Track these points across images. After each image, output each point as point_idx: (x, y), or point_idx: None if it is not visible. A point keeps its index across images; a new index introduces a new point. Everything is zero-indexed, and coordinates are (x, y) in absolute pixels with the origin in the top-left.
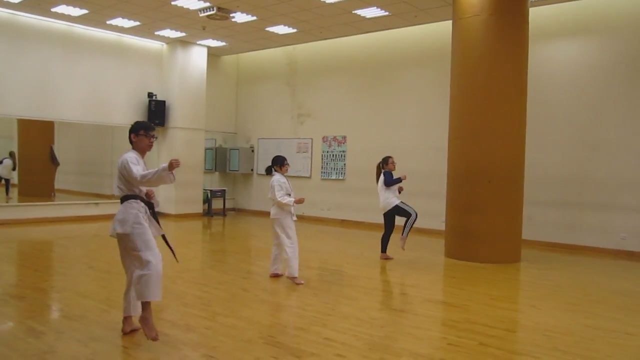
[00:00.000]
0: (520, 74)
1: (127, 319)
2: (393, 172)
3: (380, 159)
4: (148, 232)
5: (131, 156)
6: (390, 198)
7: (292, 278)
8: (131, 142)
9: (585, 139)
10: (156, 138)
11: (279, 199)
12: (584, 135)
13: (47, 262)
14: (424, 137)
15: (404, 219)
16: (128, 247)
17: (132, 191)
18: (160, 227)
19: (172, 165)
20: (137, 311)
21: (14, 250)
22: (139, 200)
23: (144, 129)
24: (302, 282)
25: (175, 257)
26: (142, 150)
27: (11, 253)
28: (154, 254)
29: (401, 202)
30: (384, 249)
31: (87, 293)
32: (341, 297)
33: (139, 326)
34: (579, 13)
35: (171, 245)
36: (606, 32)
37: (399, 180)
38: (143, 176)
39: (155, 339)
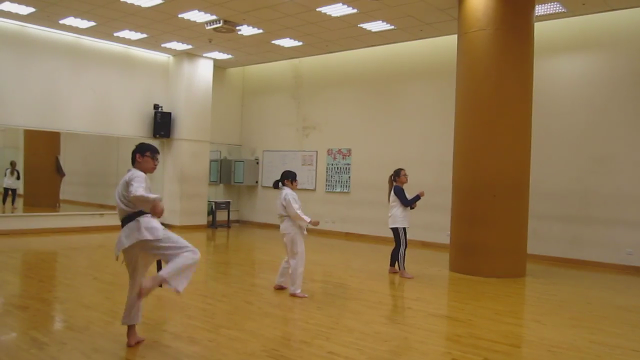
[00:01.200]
0: (525, 88)
1: (131, 329)
2: (405, 184)
3: (385, 172)
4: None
5: (141, 174)
6: (397, 217)
7: (293, 295)
8: (134, 161)
9: (590, 153)
10: (159, 162)
11: (297, 212)
12: (589, 149)
13: (51, 272)
14: (429, 150)
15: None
16: (160, 249)
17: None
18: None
19: (156, 213)
20: (138, 320)
21: (19, 260)
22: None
23: (151, 152)
24: (306, 295)
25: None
26: (145, 171)
27: (15, 263)
28: (194, 247)
29: (405, 228)
30: (392, 263)
31: (91, 304)
32: (345, 311)
33: (143, 338)
34: (583, 28)
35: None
36: (611, 47)
37: (418, 198)
38: (139, 197)
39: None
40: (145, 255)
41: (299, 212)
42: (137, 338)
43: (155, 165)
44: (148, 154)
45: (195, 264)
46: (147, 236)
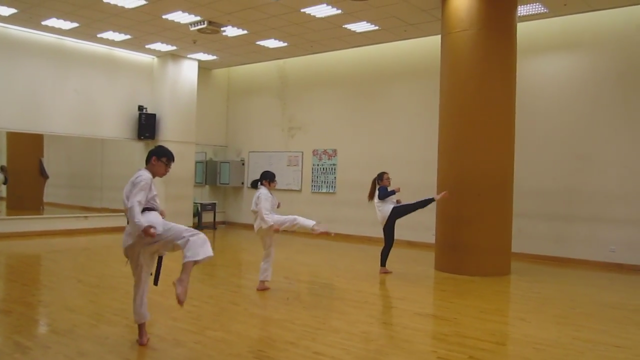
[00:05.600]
0: (508, 88)
1: (142, 327)
2: (388, 187)
3: (370, 172)
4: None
5: (147, 178)
6: (385, 206)
7: (262, 281)
8: (147, 161)
9: (573, 152)
10: (170, 169)
11: (263, 212)
12: (572, 147)
13: (35, 276)
14: (414, 150)
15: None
16: (167, 240)
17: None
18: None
19: (147, 232)
20: (148, 316)
21: (2, 264)
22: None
23: (167, 158)
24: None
25: (156, 281)
26: (154, 173)
27: None
28: (192, 230)
29: (395, 204)
30: (383, 263)
31: (75, 307)
32: (331, 311)
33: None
34: (566, 28)
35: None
36: (593, 47)
37: (393, 192)
38: (132, 211)
39: (180, 296)
40: (146, 251)
41: (265, 214)
42: (147, 335)
43: (167, 171)
44: (164, 159)
45: (206, 241)
46: (157, 230)
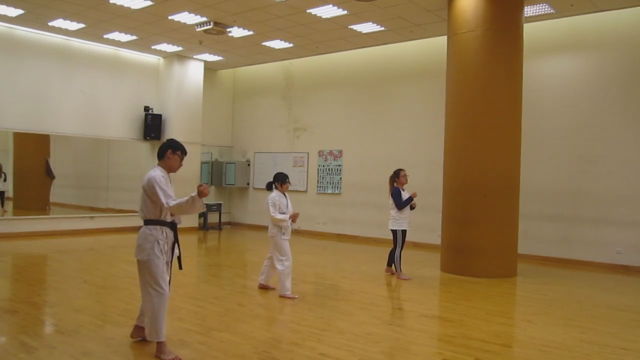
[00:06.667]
0: (515, 89)
1: (137, 327)
2: (404, 184)
3: (376, 173)
4: (161, 264)
5: (159, 175)
6: (397, 219)
7: (283, 296)
8: (162, 156)
9: (580, 153)
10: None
11: (273, 216)
12: (578, 149)
13: (41, 276)
14: (420, 151)
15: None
16: (141, 273)
17: (153, 214)
18: (178, 248)
19: (203, 193)
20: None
21: (8, 264)
22: (157, 226)
23: (182, 152)
24: (296, 296)
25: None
26: (170, 168)
27: (5, 267)
28: (162, 290)
29: (403, 230)
30: (389, 263)
31: (80, 308)
32: (337, 312)
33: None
34: (573, 29)
35: (181, 264)
36: (600, 48)
37: (410, 199)
38: (175, 206)
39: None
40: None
41: (274, 214)
42: (141, 335)
43: (180, 166)
44: (179, 152)
45: (164, 306)
46: (137, 255)
